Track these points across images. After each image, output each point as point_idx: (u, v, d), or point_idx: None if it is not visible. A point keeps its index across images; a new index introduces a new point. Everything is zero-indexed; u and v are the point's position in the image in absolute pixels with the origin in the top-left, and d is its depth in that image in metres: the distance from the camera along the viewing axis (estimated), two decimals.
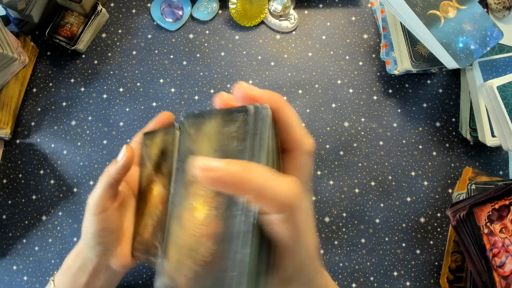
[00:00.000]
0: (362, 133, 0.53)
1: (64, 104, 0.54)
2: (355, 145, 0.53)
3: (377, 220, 0.51)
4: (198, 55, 0.55)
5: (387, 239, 0.50)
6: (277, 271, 0.23)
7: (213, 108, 0.24)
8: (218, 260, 0.21)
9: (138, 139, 0.41)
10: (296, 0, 0.57)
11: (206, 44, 0.56)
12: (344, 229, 0.51)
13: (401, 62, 0.51)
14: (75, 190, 0.52)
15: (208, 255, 0.22)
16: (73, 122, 0.54)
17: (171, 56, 0.55)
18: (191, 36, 0.56)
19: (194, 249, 0.23)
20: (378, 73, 0.55)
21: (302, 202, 0.21)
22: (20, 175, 0.52)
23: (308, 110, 0.54)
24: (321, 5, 0.57)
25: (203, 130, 0.25)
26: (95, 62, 0.55)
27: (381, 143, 0.53)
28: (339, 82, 0.55)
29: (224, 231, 0.22)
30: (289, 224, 0.21)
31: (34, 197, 0.52)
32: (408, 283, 0.49)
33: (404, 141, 0.53)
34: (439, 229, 0.51)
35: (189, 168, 0.26)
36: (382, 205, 0.51)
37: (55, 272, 0.40)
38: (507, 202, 0.41)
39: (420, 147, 0.53)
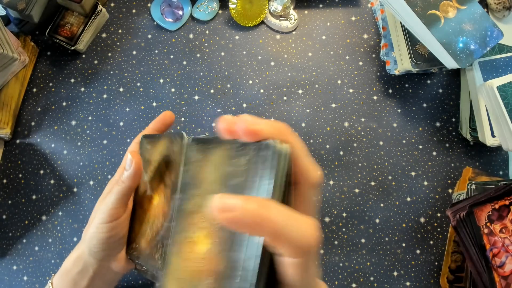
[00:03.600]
0: (362, 133, 0.53)
1: (64, 104, 0.54)
2: (355, 145, 0.53)
3: (377, 220, 0.51)
4: (198, 55, 0.55)
5: (387, 239, 0.50)
6: None
7: (222, 137, 0.23)
8: None
9: (138, 140, 0.41)
10: (296, 0, 0.57)
11: (206, 44, 0.56)
12: (344, 229, 0.51)
13: (401, 62, 0.51)
14: (75, 190, 0.52)
15: None
16: (73, 122, 0.54)
17: (171, 56, 0.55)
18: (191, 36, 0.56)
19: (194, 285, 0.22)
20: (378, 73, 0.55)
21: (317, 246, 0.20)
22: (20, 175, 0.52)
23: (308, 110, 0.54)
24: (321, 5, 0.57)
25: (210, 158, 0.24)
26: (95, 62, 0.55)
27: (381, 143, 0.53)
28: (339, 82, 0.55)
29: (226, 267, 0.21)
30: (303, 270, 0.20)
31: (34, 197, 0.52)
32: (408, 283, 0.49)
33: (404, 141, 0.53)
34: (439, 229, 0.51)
35: (193, 195, 0.25)
36: (382, 205, 0.51)
37: (53, 274, 0.40)
38: (507, 202, 0.41)
39: (420, 147, 0.53)
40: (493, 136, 0.47)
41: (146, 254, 0.35)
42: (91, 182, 0.52)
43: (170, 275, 0.25)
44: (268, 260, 0.20)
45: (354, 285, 0.49)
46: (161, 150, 0.37)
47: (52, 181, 0.52)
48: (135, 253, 0.37)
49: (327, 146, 0.53)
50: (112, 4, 0.57)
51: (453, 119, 0.54)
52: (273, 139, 0.21)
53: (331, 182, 0.52)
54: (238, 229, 0.18)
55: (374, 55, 0.55)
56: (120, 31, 0.56)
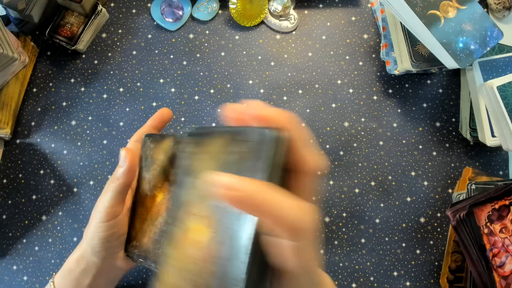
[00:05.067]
0: (362, 133, 0.53)
1: (64, 104, 0.54)
2: (355, 145, 0.53)
3: (377, 220, 0.51)
4: (198, 55, 0.55)
5: (387, 239, 0.50)
6: None
7: (219, 126, 0.24)
8: (220, 282, 0.21)
9: (137, 138, 0.41)
10: (296, 0, 0.57)
11: (206, 44, 0.56)
12: (344, 229, 0.51)
13: (401, 62, 0.51)
14: (75, 190, 0.52)
15: (211, 279, 0.22)
16: (73, 122, 0.54)
17: (171, 56, 0.55)
18: (191, 36, 0.56)
19: (192, 272, 0.23)
20: (378, 73, 0.55)
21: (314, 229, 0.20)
22: (20, 175, 0.52)
23: (308, 110, 0.54)
24: (321, 5, 0.57)
25: (206, 149, 0.25)
26: (95, 62, 0.55)
27: (381, 143, 0.53)
28: (339, 82, 0.55)
29: (223, 253, 0.21)
30: (300, 253, 0.20)
31: (34, 197, 0.52)
32: (408, 283, 0.49)
33: (404, 141, 0.53)
34: (439, 229, 0.51)
35: (188, 186, 0.25)
36: (382, 205, 0.51)
37: (54, 273, 0.40)
38: (507, 202, 0.41)
39: (420, 147, 0.53)
40: (493, 136, 0.47)
41: (149, 251, 0.35)
42: (91, 182, 0.52)
43: (168, 264, 0.25)
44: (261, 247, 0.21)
45: (354, 285, 0.50)
46: (166, 149, 0.37)
47: (52, 181, 0.52)
48: (136, 250, 0.37)
49: (327, 146, 0.53)
50: (112, 4, 0.57)
51: (453, 119, 0.54)
52: (275, 126, 0.21)
53: (331, 182, 0.52)
54: (239, 208, 0.19)
55: (374, 55, 0.55)
56: (120, 31, 0.56)
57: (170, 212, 0.27)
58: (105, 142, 0.53)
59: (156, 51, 0.55)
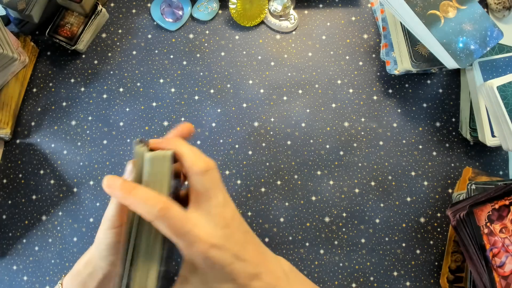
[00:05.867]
0: (362, 133, 0.53)
1: (64, 104, 0.54)
2: (355, 145, 0.53)
3: (377, 220, 0.51)
4: (198, 55, 0.55)
5: (387, 239, 0.50)
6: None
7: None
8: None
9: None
10: (296, 0, 0.57)
11: (206, 44, 0.56)
12: (344, 229, 0.51)
13: (401, 62, 0.51)
14: (75, 190, 0.52)
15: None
16: (73, 122, 0.54)
17: (171, 56, 0.55)
18: (191, 36, 0.56)
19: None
20: (378, 73, 0.55)
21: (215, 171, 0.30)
22: (20, 175, 0.52)
23: (308, 110, 0.54)
24: (321, 5, 0.57)
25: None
26: (95, 62, 0.55)
27: (381, 143, 0.53)
28: (339, 82, 0.55)
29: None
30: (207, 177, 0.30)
31: (34, 197, 0.52)
32: (408, 283, 0.49)
33: (404, 141, 0.53)
34: (439, 229, 0.51)
35: None
36: (382, 205, 0.51)
37: (64, 275, 0.40)
38: (507, 202, 0.41)
39: (420, 147, 0.53)
40: (493, 136, 0.47)
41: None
42: (91, 182, 0.52)
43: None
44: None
45: (354, 285, 0.49)
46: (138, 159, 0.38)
47: (52, 181, 0.52)
48: None
49: (327, 146, 0.53)
50: (112, 4, 0.57)
51: (453, 119, 0.54)
52: (158, 149, 0.31)
53: (331, 182, 0.52)
54: (114, 196, 0.30)
55: (374, 55, 0.55)
56: (120, 31, 0.56)
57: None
58: (105, 142, 0.53)
59: (156, 51, 0.55)
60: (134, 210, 0.28)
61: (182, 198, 0.36)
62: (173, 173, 0.31)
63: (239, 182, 0.52)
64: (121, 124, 0.54)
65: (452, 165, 0.52)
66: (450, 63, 0.46)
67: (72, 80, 0.55)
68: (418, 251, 0.50)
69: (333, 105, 0.54)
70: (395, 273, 0.50)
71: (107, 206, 0.38)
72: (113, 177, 0.29)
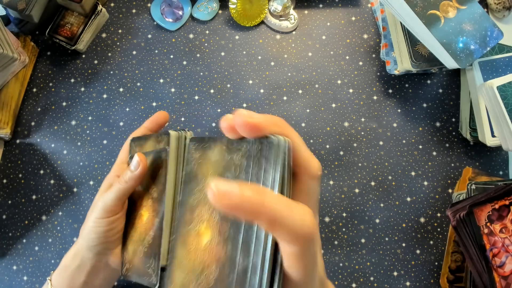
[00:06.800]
0: (362, 133, 0.53)
1: (64, 104, 0.54)
2: (355, 145, 0.53)
3: (377, 220, 0.51)
4: (198, 55, 0.55)
5: (387, 239, 0.50)
6: None
7: (219, 136, 0.24)
8: (222, 285, 0.21)
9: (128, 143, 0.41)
10: (296, 0, 0.57)
11: (206, 44, 0.56)
12: (344, 229, 0.51)
13: (401, 62, 0.51)
14: (75, 190, 0.52)
15: (212, 280, 0.22)
16: (73, 122, 0.54)
17: (171, 56, 0.55)
18: (191, 36, 0.56)
19: (198, 273, 0.23)
20: (378, 73, 0.55)
21: (317, 233, 0.20)
22: (20, 175, 0.52)
23: (308, 110, 0.54)
24: (321, 5, 0.57)
25: (208, 156, 0.25)
26: (95, 62, 0.55)
27: (381, 143, 0.53)
28: (339, 82, 0.55)
29: (227, 257, 0.21)
30: (303, 259, 0.20)
31: (34, 197, 0.52)
32: (408, 283, 0.49)
33: (404, 141, 0.53)
34: (439, 229, 0.51)
35: (194, 191, 0.26)
36: (382, 205, 0.51)
37: (52, 272, 0.40)
38: (507, 202, 0.41)
39: (420, 147, 0.53)
40: (493, 136, 0.47)
41: (140, 271, 0.35)
42: (91, 182, 0.52)
43: (176, 266, 0.26)
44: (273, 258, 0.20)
45: (354, 285, 0.49)
46: (148, 150, 0.37)
47: (52, 181, 0.52)
48: (129, 273, 0.37)
49: (327, 146, 0.53)
50: (112, 4, 0.57)
51: (453, 119, 0.54)
52: (271, 133, 0.21)
53: (331, 182, 0.52)
54: (235, 214, 0.18)
55: (374, 55, 0.55)
56: (120, 31, 0.56)
57: (179, 216, 0.27)
58: (105, 142, 0.53)
59: (156, 51, 0.55)
60: (268, 228, 0.19)
61: None
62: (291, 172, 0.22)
63: None
64: (121, 124, 0.54)
65: (452, 165, 0.52)
66: (450, 63, 0.46)
67: (72, 80, 0.55)
68: (418, 251, 0.50)
69: (333, 105, 0.54)
70: (395, 273, 0.50)
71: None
72: (225, 181, 0.18)
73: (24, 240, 0.51)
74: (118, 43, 0.56)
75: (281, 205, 0.18)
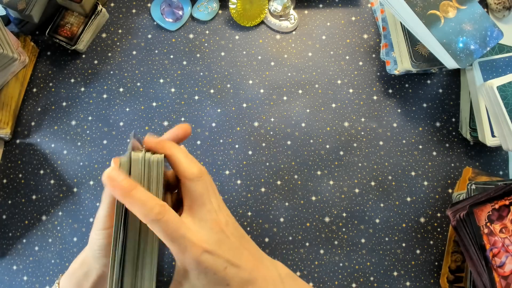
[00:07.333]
0: (362, 133, 0.53)
1: (64, 104, 0.54)
2: (355, 145, 0.53)
3: (377, 220, 0.51)
4: (198, 55, 0.55)
5: (387, 239, 0.50)
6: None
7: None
8: None
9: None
10: (296, 0, 0.57)
11: (206, 44, 0.56)
12: (344, 229, 0.51)
13: (401, 62, 0.51)
14: (75, 190, 0.52)
15: None
16: (73, 122, 0.54)
17: (171, 56, 0.55)
18: (191, 36, 0.56)
19: None
20: (378, 73, 0.55)
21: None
22: (20, 175, 0.52)
23: (308, 110, 0.54)
24: (321, 5, 0.57)
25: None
26: (95, 62, 0.55)
27: (381, 143, 0.53)
28: (339, 82, 0.55)
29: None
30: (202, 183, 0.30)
31: (34, 197, 0.52)
32: (408, 283, 0.49)
33: (404, 141, 0.53)
34: (439, 229, 0.51)
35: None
36: (382, 205, 0.51)
37: (61, 274, 0.40)
38: (507, 202, 0.41)
39: (420, 147, 0.53)
40: (493, 136, 0.47)
41: None
42: (91, 182, 0.52)
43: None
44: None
45: (354, 285, 0.49)
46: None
47: (52, 181, 0.52)
48: None
49: (327, 146, 0.53)
50: (112, 4, 0.57)
51: (453, 119, 0.54)
52: (153, 151, 0.31)
53: (331, 182, 0.52)
54: (114, 193, 0.28)
55: (374, 55, 0.55)
56: (120, 31, 0.56)
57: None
58: (105, 142, 0.53)
59: (156, 51, 0.55)
60: (130, 209, 0.28)
61: (173, 204, 0.36)
62: (164, 178, 0.30)
63: (239, 182, 0.52)
64: (121, 124, 0.54)
65: (452, 165, 0.52)
66: (450, 63, 0.46)
67: (72, 80, 0.55)
68: (418, 251, 0.50)
69: (333, 105, 0.54)
70: (395, 273, 0.50)
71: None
72: (117, 171, 0.28)
73: (24, 240, 0.51)
74: (118, 43, 0.56)
75: (140, 195, 0.27)
